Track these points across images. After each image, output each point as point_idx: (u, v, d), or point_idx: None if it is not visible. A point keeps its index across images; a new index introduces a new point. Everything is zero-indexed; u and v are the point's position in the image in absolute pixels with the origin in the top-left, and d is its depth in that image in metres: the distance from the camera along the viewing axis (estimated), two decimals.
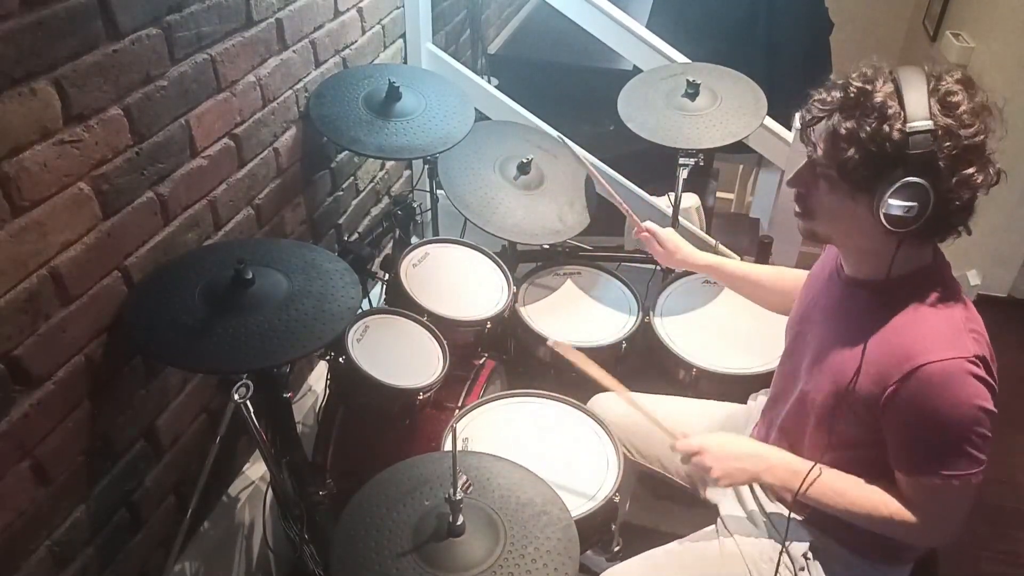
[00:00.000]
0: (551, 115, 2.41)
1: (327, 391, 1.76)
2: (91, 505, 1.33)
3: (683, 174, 2.10)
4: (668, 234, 1.82)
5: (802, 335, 1.41)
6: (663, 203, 2.44)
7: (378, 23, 2.16)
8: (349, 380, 1.61)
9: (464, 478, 1.11)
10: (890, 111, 1.10)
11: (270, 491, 1.56)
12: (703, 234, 2.48)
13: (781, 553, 1.38)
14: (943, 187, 1.10)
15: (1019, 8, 2.76)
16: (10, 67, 1.04)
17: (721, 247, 2.27)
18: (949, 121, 1.09)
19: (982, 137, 1.11)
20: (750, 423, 1.61)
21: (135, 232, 1.34)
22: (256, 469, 1.84)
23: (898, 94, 1.11)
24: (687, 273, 2.16)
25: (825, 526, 1.37)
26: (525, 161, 2.05)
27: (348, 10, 1.97)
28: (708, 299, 2.08)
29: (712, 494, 1.64)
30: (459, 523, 1.11)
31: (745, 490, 1.52)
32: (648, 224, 1.85)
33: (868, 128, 1.11)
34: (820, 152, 1.18)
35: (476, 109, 2.07)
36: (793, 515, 1.39)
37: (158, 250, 1.40)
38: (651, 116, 2.06)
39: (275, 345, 1.23)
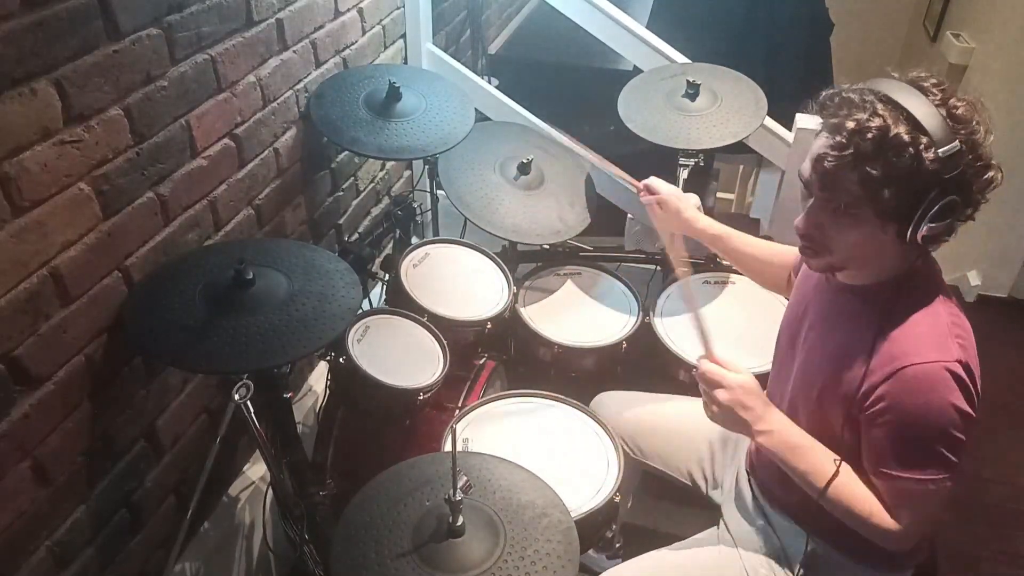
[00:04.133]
0: (551, 115, 2.41)
1: (327, 391, 1.76)
2: (91, 505, 1.34)
3: (683, 174, 2.10)
4: (670, 192, 1.78)
5: (794, 340, 1.40)
6: None
7: (378, 23, 2.16)
8: (349, 380, 1.61)
9: (464, 479, 1.11)
10: (918, 143, 1.08)
11: (270, 491, 1.56)
12: None
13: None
14: (971, 198, 1.12)
15: (1019, 8, 2.76)
16: (10, 67, 1.04)
17: None
18: (967, 135, 1.10)
19: (991, 139, 1.12)
20: None
21: (135, 232, 1.34)
22: (256, 469, 1.84)
23: (912, 121, 1.09)
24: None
25: (826, 533, 1.36)
26: (525, 161, 2.05)
27: (348, 10, 1.97)
28: (708, 299, 2.08)
29: (715, 495, 1.64)
30: (459, 524, 1.11)
31: (747, 495, 1.52)
32: (648, 181, 1.81)
33: (902, 166, 1.09)
34: (851, 198, 1.14)
35: (476, 109, 2.07)
36: (796, 521, 1.39)
37: (158, 250, 1.40)
38: (651, 116, 2.06)
39: (275, 345, 1.23)
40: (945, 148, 1.07)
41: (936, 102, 1.11)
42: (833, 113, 1.14)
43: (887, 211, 1.13)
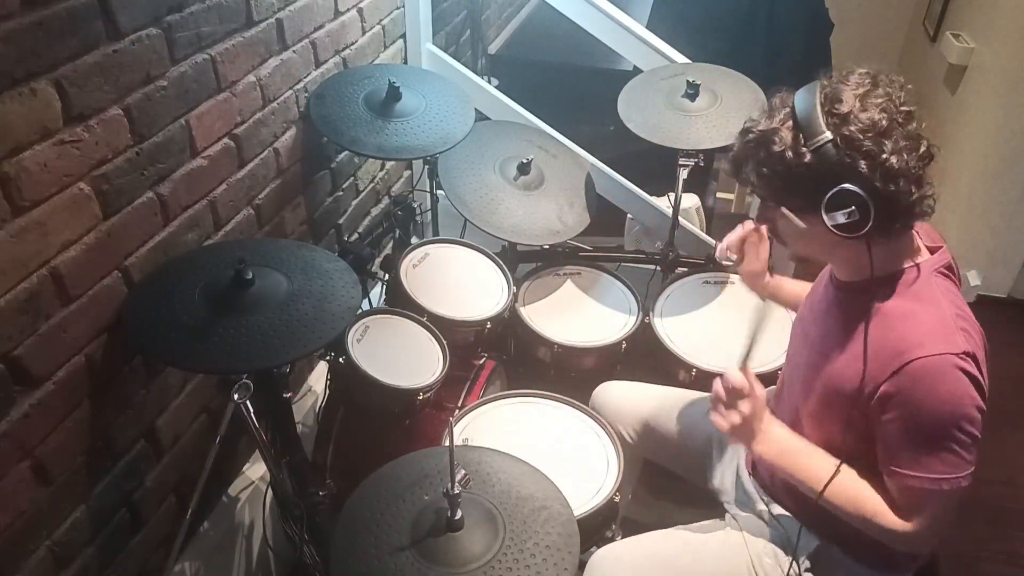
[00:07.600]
0: (551, 115, 2.41)
1: (327, 391, 1.76)
2: (91, 505, 1.34)
3: (683, 174, 2.10)
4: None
5: (801, 338, 1.41)
6: (663, 203, 2.44)
7: (378, 23, 2.16)
8: (349, 380, 1.61)
9: (463, 472, 1.11)
10: (790, 139, 1.14)
11: (270, 491, 1.56)
12: (703, 234, 2.48)
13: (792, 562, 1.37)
14: (872, 183, 1.11)
15: (1019, 8, 2.76)
16: (10, 67, 1.04)
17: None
18: (844, 127, 1.11)
19: (884, 123, 1.11)
20: None
21: (135, 232, 1.34)
22: (256, 469, 1.84)
23: (794, 120, 1.15)
24: (687, 273, 2.16)
25: (829, 533, 1.36)
26: (525, 161, 2.06)
27: (348, 10, 1.97)
28: (708, 299, 2.08)
29: (716, 487, 1.63)
30: (457, 518, 1.11)
31: (751, 489, 1.52)
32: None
33: (780, 161, 1.15)
34: (758, 191, 1.24)
35: (476, 109, 2.07)
36: (799, 521, 1.39)
37: (158, 250, 1.40)
38: (651, 116, 2.06)
39: (275, 345, 1.23)
40: (813, 140, 1.12)
41: (823, 99, 1.13)
42: (752, 116, 1.23)
43: (790, 203, 1.20)
